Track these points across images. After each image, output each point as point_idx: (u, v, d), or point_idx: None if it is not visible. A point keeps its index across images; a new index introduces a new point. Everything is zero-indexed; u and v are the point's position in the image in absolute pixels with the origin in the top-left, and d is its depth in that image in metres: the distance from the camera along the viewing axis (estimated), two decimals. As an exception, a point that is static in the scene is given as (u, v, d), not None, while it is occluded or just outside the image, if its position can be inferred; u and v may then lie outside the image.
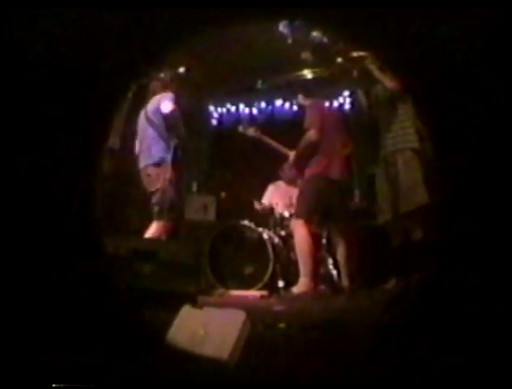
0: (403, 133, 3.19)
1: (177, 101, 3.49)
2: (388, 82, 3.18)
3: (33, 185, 1.33)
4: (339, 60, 3.46)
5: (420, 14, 1.29)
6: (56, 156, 1.37)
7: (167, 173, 3.40)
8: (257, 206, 4.67)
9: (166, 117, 3.45)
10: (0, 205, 1.27)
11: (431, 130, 1.48)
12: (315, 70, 3.93)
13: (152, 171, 3.48)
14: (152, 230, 3.38)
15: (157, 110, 3.50)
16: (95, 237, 1.56)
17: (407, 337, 1.28)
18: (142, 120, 3.61)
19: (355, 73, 3.45)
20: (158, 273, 2.13)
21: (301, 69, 4.30)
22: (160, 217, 3.39)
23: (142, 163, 3.56)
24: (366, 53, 3.25)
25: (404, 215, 3.10)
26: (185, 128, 3.55)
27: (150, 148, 3.52)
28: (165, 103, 3.46)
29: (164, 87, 3.58)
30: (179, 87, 3.67)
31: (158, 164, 3.46)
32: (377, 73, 3.25)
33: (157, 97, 3.55)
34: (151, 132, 3.52)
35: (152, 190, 3.46)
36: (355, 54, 3.34)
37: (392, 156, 3.22)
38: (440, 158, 1.42)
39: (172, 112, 3.44)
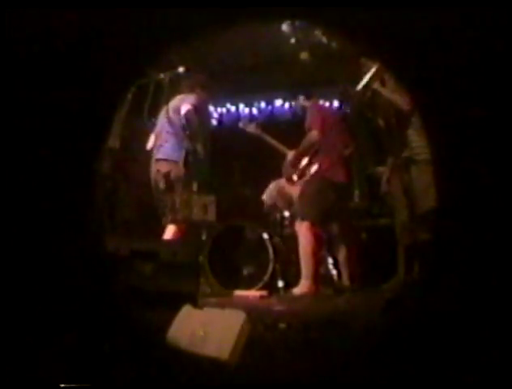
0: (412, 146, 3.19)
1: (197, 106, 3.52)
2: (399, 101, 3.18)
3: (33, 185, 1.33)
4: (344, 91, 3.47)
5: (422, 15, 1.29)
6: (56, 155, 1.37)
7: (177, 170, 3.43)
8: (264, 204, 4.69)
9: (183, 119, 3.48)
10: (0, 205, 1.27)
11: (440, 141, 1.48)
12: (318, 72, 3.95)
13: (163, 166, 3.51)
14: (169, 233, 3.38)
15: (178, 109, 3.54)
16: (95, 237, 1.56)
17: (408, 337, 1.28)
18: (163, 115, 3.64)
19: (360, 94, 3.46)
20: (158, 273, 2.13)
21: (303, 70, 4.30)
22: (173, 220, 3.41)
23: (155, 155, 3.59)
24: (372, 73, 3.24)
25: (411, 218, 3.11)
26: (202, 136, 3.59)
27: (164, 143, 3.56)
28: (185, 105, 3.49)
29: (191, 89, 3.64)
30: (206, 93, 3.76)
31: (169, 161, 3.49)
32: (387, 93, 3.24)
33: (181, 97, 3.59)
34: (168, 128, 3.56)
35: (161, 187, 3.47)
36: (367, 76, 3.34)
37: (403, 165, 3.23)
38: (448, 166, 1.42)
39: (188, 114, 3.46)
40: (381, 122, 3.38)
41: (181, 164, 3.45)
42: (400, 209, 3.23)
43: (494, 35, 1.24)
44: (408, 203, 3.17)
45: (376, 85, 3.23)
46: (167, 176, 3.45)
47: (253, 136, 4.38)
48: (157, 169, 3.53)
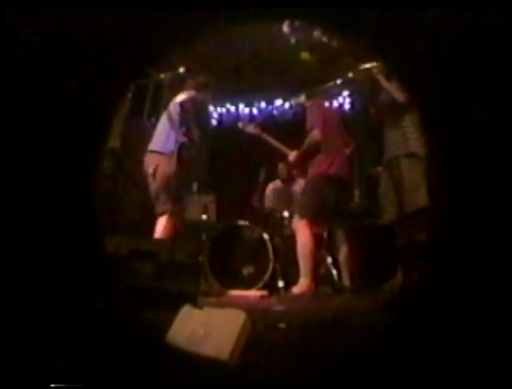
0: (406, 138, 3.20)
1: (195, 101, 3.50)
2: (395, 92, 3.19)
3: (33, 185, 1.33)
4: (346, 71, 3.48)
5: (424, 15, 1.29)
6: (56, 155, 1.37)
7: (168, 163, 3.40)
8: (258, 206, 4.70)
9: (178, 106, 3.47)
10: (0, 205, 1.27)
11: (434, 136, 1.48)
12: (318, 72, 3.95)
13: (154, 158, 3.48)
14: (160, 226, 3.36)
15: (175, 103, 3.53)
16: (95, 237, 1.56)
17: (408, 337, 1.28)
18: (164, 113, 3.64)
19: (360, 80, 3.47)
20: (158, 273, 2.13)
21: (303, 70, 4.31)
22: (162, 209, 3.37)
23: (149, 147, 3.58)
24: (374, 64, 3.26)
25: (407, 216, 3.11)
26: (199, 132, 3.57)
27: (159, 136, 3.55)
28: (183, 98, 3.48)
29: (197, 89, 3.63)
30: (211, 95, 3.76)
31: (160, 153, 3.47)
32: (384, 83, 3.26)
33: (183, 93, 3.59)
34: (165, 122, 3.55)
35: (149, 179, 3.46)
36: (363, 65, 3.35)
37: (395, 161, 3.25)
38: (442, 163, 1.42)
39: (184, 102, 3.44)
40: (379, 115, 3.39)
41: (173, 157, 3.42)
42: (392, 207, 3.24)
43: (493, 33, 1.24)
44: (400, 201, 3.18)
45: (378, 76, 3.24)
46: (157, 168, 3.42)
47: (253, 136, 4.38)
48: (149, 161, 3.50)
